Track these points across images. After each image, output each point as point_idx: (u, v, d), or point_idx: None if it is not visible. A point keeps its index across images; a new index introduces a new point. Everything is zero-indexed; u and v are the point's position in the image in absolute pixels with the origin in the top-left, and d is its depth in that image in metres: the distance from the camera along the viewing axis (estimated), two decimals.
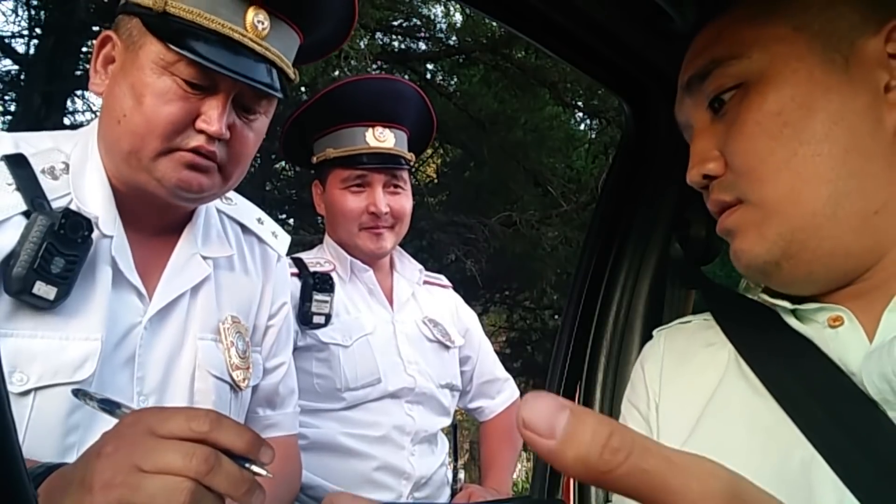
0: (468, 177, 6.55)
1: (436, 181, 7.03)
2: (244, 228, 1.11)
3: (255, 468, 0.56)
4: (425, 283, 1.73)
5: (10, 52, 4.95)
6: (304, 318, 1.47)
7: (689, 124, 0.66)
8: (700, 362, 0.65)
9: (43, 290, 0.82)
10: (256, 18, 0.90)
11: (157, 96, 0.87)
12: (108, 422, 0.75)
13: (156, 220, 0.97)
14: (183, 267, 0.97)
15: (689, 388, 0.64)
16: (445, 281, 1.80)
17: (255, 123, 0.95)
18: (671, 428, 0.65)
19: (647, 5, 0.78)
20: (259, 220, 1.13)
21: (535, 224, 5.47)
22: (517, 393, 1.84)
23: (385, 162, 1.54)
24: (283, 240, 1.16)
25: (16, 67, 5.06)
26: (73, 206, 0.89)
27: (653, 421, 0.67)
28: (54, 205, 0.87)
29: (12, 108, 5.14)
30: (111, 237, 0.90)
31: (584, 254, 1.06)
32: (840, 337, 0.54)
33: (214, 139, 0.89)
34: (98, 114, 0.97)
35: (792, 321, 0.58)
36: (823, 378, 0.53)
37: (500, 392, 1.79)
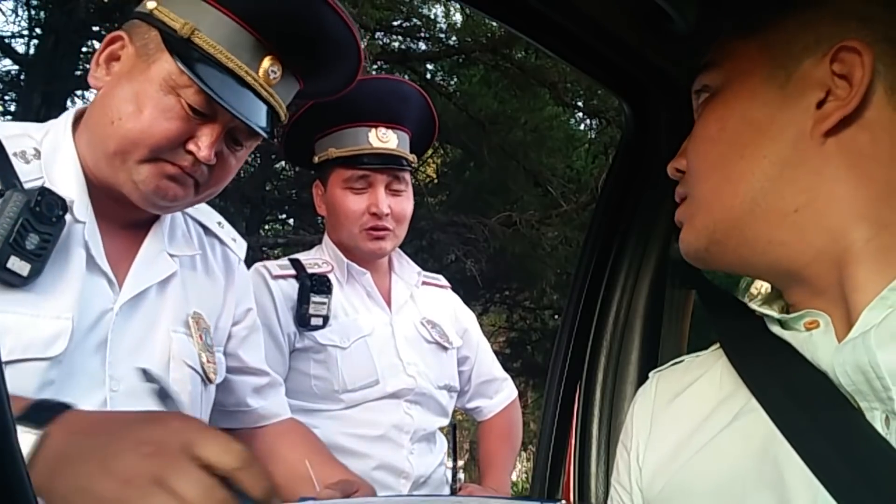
0: (468, 177, 6.54)
1: (436, 181, 7.02)
2: (206, 230, 1.14)
3: None
4: (424, 283, 1.73)
5: (10, 52, 4.95)
6: (302, 320, 1.47)
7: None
8: (692, 393, 0.68)
9: (17, 265, 0.83)
10: (271, 68, 0.95)
11: (159, 111, 0.90)
12: (77, 398, 0.80)
13: (124, 214, 0.99)
14: (151, 261, 1.00)
15: (682, 416, 0.67)
16: (444, 281, 1.80)
17: (238, 153, 1.00)
18: (659, 453, 0.67)
19: (647, 5, 0.78)
20: (219, 223, 1.17)
21: (535, 224, 5.46)
22: (515, 392, 1.85)
23: (387, 162, 1.54)
24: (241, 245, 1.20)
25: (16, 67, 5.06)
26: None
27: (640, 459, 0.69)
28: (27, 187, 0.88)
29: (12, 108, 5.14)
30: (84, 223, 0.92)
31: (584, 254, 1.06)
32: (812, 339, 0.57)
33: (201, 163, 0.93)
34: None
35: (776, 328, 0.61)
36: (800, 377, 0.56)
37: (498, 392, 1.80)
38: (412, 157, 1.60)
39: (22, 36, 4.98)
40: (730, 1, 0.71)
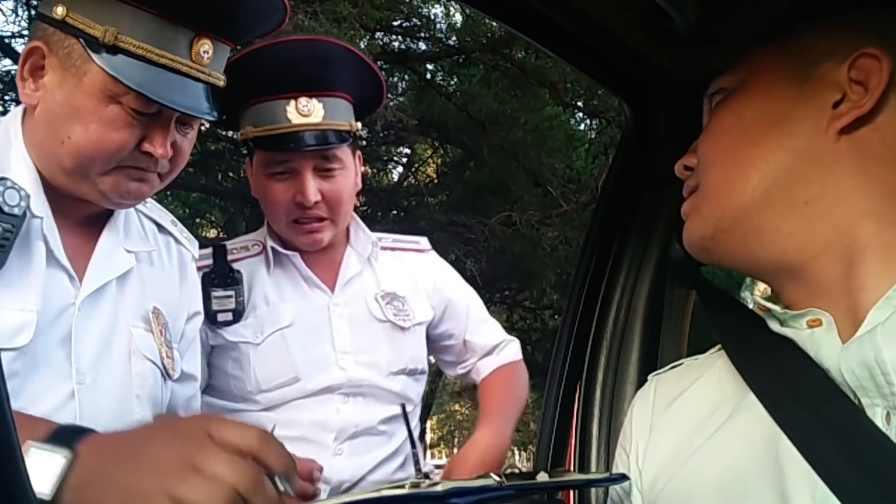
0: (468, 177, 6.53)
1: (436, 181, 7.02)
2: (160, 227, 1.14)
3: (286, 487, 0.59)
4: (385, 248, 1.50)
5: (10, 52, 4.95)
6: (208, 316, 1.30)
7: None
8: (691, 395, 0.69)
9: None
10: (202, 49, 0.94)
11: (105, 124, 0.90)
12: (44, 390, 0.88)
13: (79, 210, 1.00)
14: (109, 256, 1.01)
15: (681, 418, 0.68)
16: (424, 244, 1.58)
17: (189, 134, 1.01)
18: (659, 455, 0.68)
19: (646, 5, 0.78)
20: (173, 222, 1.17)
21: (535, 224, 5.46)
22: (520, 354, 1.60)
23: (311, 141, 1.30)
24: (194, 243, 1.20)
25: (16, 67, 5.05)
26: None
27: (640, 462, 0.70)
28: None
29: (12, 108, 5.13)
30: (41, 218, 0.92)
31: (584, 254, 1.06)
32: (815, 337, 0.58)
33: (159, 158, 0.94)
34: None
35: (776, 326, 0.62)
36: (801, 374, 0.57)
37: (499, 352, 1.57)
38: (349, 126, 1.35)
39: (22, 36, 4.98)
40: (730, 1, 0.71)
